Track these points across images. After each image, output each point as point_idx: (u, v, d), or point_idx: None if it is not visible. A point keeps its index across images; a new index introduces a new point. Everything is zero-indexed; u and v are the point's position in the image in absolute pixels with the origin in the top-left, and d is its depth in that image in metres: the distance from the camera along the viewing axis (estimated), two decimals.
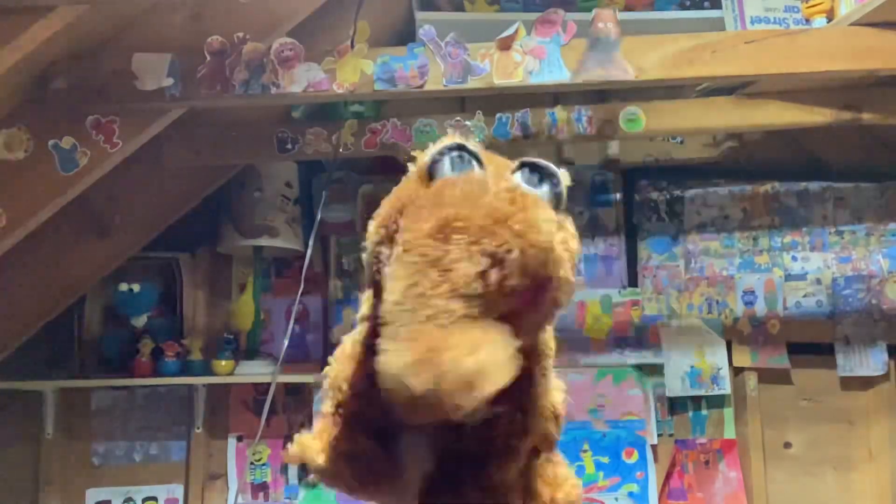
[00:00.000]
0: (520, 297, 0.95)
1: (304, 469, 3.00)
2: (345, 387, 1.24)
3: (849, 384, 3.15)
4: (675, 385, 3.07)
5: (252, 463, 3.02)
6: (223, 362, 2.94)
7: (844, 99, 2.69)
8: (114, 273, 2.89)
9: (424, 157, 1.08)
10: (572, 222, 1.10)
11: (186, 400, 3.03)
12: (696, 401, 3.10)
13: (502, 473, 1.16)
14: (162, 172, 2.70)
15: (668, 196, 3.25)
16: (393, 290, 0.91)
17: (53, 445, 2.96)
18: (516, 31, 2.29)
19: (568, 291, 1.05)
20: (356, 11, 2.30)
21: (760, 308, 3.15)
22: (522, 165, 1.08)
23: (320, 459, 1.29)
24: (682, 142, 3.23)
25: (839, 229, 3.22)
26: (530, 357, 1.12)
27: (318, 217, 2.70)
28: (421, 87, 2.29)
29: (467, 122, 2.61)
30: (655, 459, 3.03)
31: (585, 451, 3.03)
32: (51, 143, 2.23)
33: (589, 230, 3.20)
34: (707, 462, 3.08)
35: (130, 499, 2.98)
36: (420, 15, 2.64)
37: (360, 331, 1.18)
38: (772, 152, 3.24)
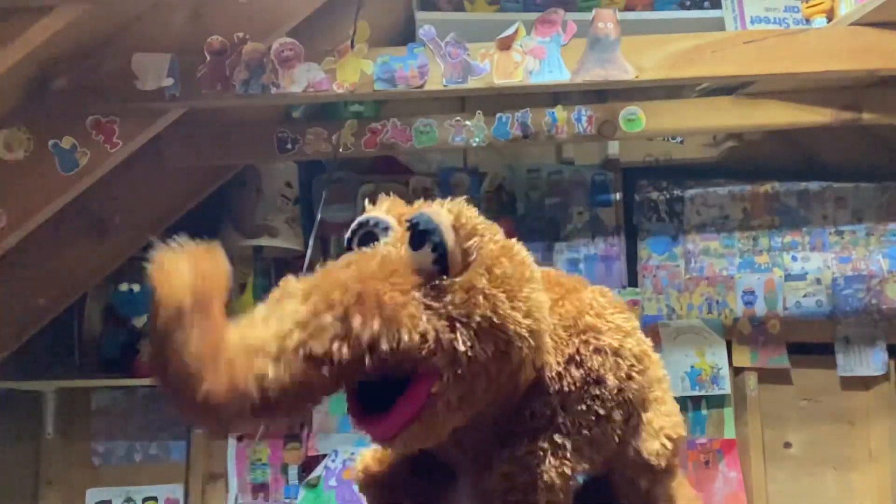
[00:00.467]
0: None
1: (304, 469, 3.00)
2: None
3: (849, 384, 3.15)
4: (675, 385, 3.06)
5: (252, 463, 3.01)
6: None
7: (844, 99, 2.69)
8: (114, 273, 2.89)
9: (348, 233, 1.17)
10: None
11: None
12: (696, 401, 3.09)
13: None
14: (162, 172, 2.70)
15: (668, 196, 3.25)
16: None
17: (53, 445, 2.96)
18: (516, 31, 2.29)
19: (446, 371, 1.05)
20: (356, 11, 2.30)
21: (760, 308, 3.15)
22: (409, 225, 1.09)
23: (361, 471, 1.39)
24: (682, 142, 3.23)
25: (839, 229, 3.22)
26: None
27: (318, 217, 2.70)
28: (421, 87, 2.29)
29: (467, 122, 2.61)
30: None
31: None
32: (51, 143, 2.23)
33: (589, 230, 3.21)
34: (707, 462, 3.08)
35: (130, 499, 2.98)
36: (420, 15, 2.64)
37: None
38: (772, 152, 3.24)
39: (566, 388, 1.22)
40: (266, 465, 3.03)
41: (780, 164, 3.28)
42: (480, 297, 1.07)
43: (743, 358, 3.12)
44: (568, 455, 1.20)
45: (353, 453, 2.91)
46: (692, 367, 3.07)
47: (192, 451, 3.02)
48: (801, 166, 3.29)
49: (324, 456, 2.96)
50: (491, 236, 1.14)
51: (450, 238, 1.07)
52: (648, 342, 1.39)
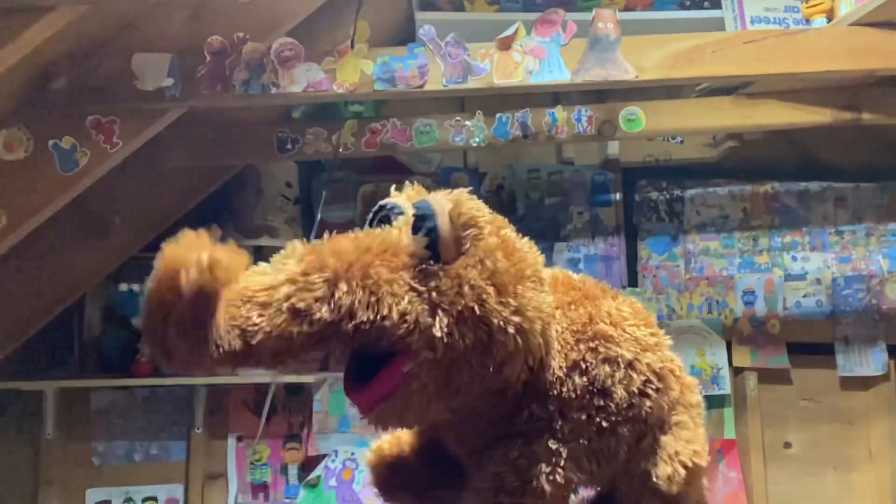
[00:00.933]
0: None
1: (304, 469, 3.00)
2: None
3: (849, 384, 3.15)
4: None
5: (252, 463, 3.01)
6: None
7: (844, 99, 2.69)
8: (114, 273, 2.89)
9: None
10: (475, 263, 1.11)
11: (186, 400, 3.02)
12: None
13: None
14: (162, 172, 2.70)
15: (667, 196, 3.25)
16: None
17: (53, 445, 2.96)
18: (516, 31, 2.29)
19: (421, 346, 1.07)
20: (356, 11, 2.29)
21: (760, 308, 3.15)
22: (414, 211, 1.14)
23: (373, 451, 1.41)
24: (682, 142, 3.23)
25: (839, 229, 3.22)
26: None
27: (318, 217, 2.70)
28: (421, 87, 2.29)
29: (467, 122, 2.61)
30: None
31: None
32: (51, 143, 2.23)
33: (589, 230, 3.20)
34: None
35: (130, 499, 2.98)
36: (420, 15, 2.64)
37: None
38: (772, 152, 3.24)
39: (566, 395, 1.20)
40: (266, 465, 3.02)
41: (780, 164, 3.28)
42: (466, 288, 1.07)
43: (743, 358, 3.12)
44: (562, 463, 1.17)
45: (353, 453, 2.91)
46: (692, 367, 3.07)
47: (192, 451, 3.02)
48: (801, 166, 3.29)
49: (324, 456, 2.96)
50: (494, 230, 1.14)
51: (444, 225, 1.09)
52: (679, 363, 1.34)
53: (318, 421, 2.96)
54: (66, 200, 2.33)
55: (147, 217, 2.80)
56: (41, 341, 2.86)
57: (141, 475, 3.01)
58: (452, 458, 1.33)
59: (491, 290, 1.09)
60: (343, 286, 1.05)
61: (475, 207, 1.13)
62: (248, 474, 3.01)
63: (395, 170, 3.15)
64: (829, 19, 2.47)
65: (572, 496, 1.25)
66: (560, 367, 1.21)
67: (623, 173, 3.26)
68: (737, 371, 3.13)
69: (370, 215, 1.19)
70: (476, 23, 2.61)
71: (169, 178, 2.76)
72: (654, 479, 1.23)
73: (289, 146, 2.65)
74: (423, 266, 1.09)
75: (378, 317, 1.05)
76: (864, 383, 3.14)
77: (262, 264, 1.11)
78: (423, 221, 1.11)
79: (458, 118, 2.62)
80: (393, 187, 1.23)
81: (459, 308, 1.07)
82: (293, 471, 3.01)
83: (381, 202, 1.18)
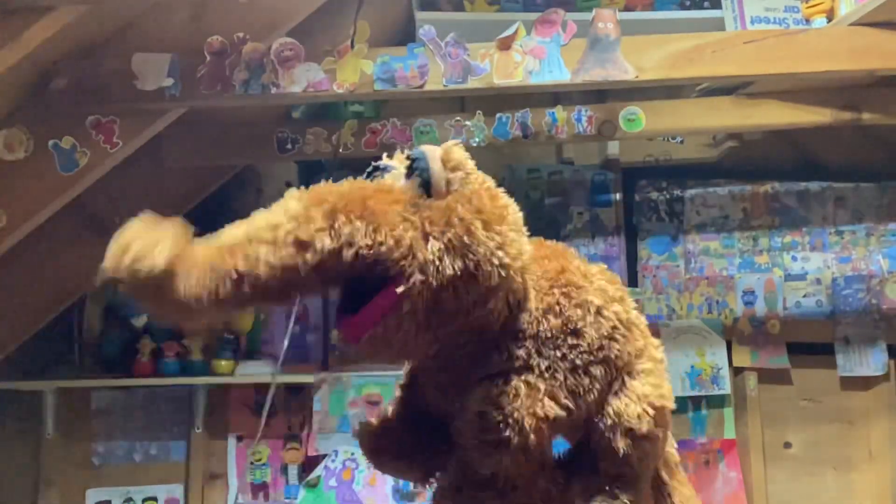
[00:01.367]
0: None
1: (304, 469, 3.00)
2: (400, 383, 1.50)
3: (849, 384, 3.15)
4: (675, 385, 3.03)
5: (252, 463, 3.01)
6: (223, 362, 2.94)
7: (844, 99, 2.69)
8: None
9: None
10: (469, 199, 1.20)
11: (186, 400, 3.02)
12: (696, 401, 3.10)
13: None
14: (162, 172, 2.70)
15: (667, 196, 3.25)
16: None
17: (53, 445, 2.96)
18: (516, 31, 2.29)
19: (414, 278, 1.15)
20: (356, 11, 2.30)
21: (760, 308, 3.15)
22: (407, 159, 1.24)
23: (362, 423, 1.51)
24: (682, 142, 3.23)
25: (839, 229, 3.22)
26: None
27: None
28: (421, 87, 2.29)
29: (467, 122, 2.61)
30: None
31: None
32: (51, 143, 2.23)
33: (589, 230, 3.20)
34: (707, 462, 3.08)
35: (130, 499, 2.98)
36: (420, 15, 2.64)
37: None
38: (772, 152, 3.24)
39: (543, 334, 1.28)
40: (266, 465, 3.03)
41: (780, 164, 3.28)
42: (456, 219, 1.17)
43: (743, 358, 3.12)
44: (541, 397, 1.24)
45: (353, 453, 2.91)
46: (692, 367, 3.07)
47: (192, 451, 3.02)
48: (801, 166, 3.29)
49: (324, 456, 2.95)
50: (479, 179, 1.24)
51: (436, 167, 1.20)
52: (644, 321, 1.43)
53: (318, 421, 2.96)
54: (66, 200, 2.34)
55: None
56: (41, 341, 2.86)
57: (141, 475, 3.01)
58: (438, 425, 1.39)
59: (478, 223, 1.18)
60: (342, 217, 1.14)
61: (462, 155, 1.24)
62: (248, 474, 3.01)
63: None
64: (829, 19, 2.47)
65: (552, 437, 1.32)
66: (536, 309, 1.30)
67: (623, 173, 3.26)
68: (737, 371, 3.12)
69: (364, 175, 1.27)
70: (476, 23, 2.61)
71: (169, 178, 2.76)
72: (625, 418, 1.31)
73: (289, 146, 2.65)
74: (416, 200, 1.18)
75: (375, 243, 1.13)
76: (864, 383, 3.14)
77: (263, 210, 1.20)
78: (416, 163, 1.21)
79: (458, 118, 2.62)
80: (385, 154, 1.32)
81: (449, 236, 1.16)
82: (293, 471, 3.01)
83: (375, 163, 1.27)
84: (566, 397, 1.27)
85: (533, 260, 1.32)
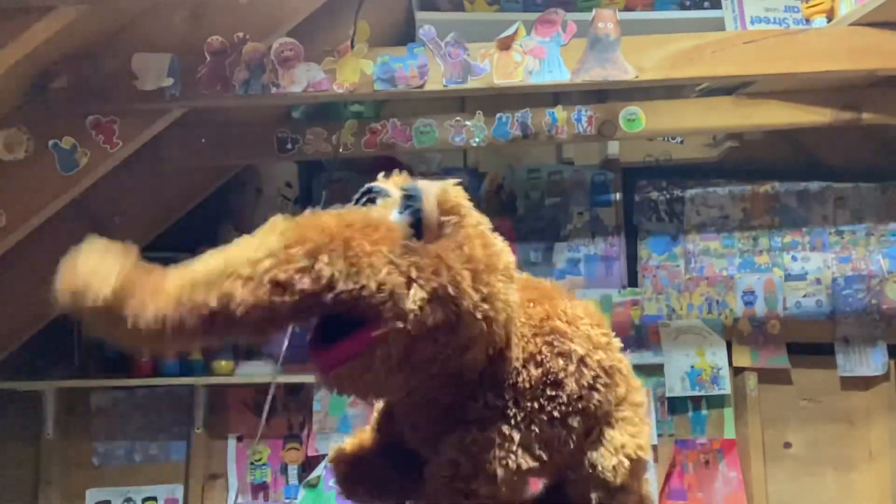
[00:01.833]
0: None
1: (304, 469, 3.00)
2: (378, 409, 1.45)
3: (849, 384, 3.15)
4: (675, 385, 3.07)
5: (252, 463, 3.01)
6: (223, 362, 2.94)
7: (844, 99, 2.69)
8: None
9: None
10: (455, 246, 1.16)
11: (186, 400, 3.02)
12: (696, 401, 3.09)
13: None
14: (162, 172, 2.70)
15: (667, 196, 3.25)
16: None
17: (53, 445, 2.96)
18: (516, 31, 2.29)
19: (395, 327, 1.11)
20: (356, 11, 2.30)
21: (760, 308, 3.15)
22: (401, 192, 1.20)
23: (334, 449, 1.48)
24: (682, 142, 3.23)
25: (839, 229, 3.22)
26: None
27: None
28: (421, 87, 2.29)
29: (467, 122, 2.61)
30: (655, 459, 3.02)
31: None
32: (51, 143, 2.23)
33: (589, 230, 3.20)
34: (707, 462, 3.08)
35: (130, 499, 2.98)
36: (420, 15, 2.64)
37: None
38: (772, 152, 3.24)
39: (521, 385, 1.25)
40: (266, 465, 3.03)
41: (780, 164, 3.28)
42: (444, 268, 1.13)
43: (743, 358, 3.12)
44: (514, 448, 1.21)
45: None
46: (692, 367, 3.07)
47: (192, 451, 3.02)
48: (801, 166, 3.29)
49: (324, 456, 2.95)
50: (474, 223, 1.20)
51: (429, 207, 1.15)
52: (627, 364, 1.40)
53: (318, 421, 2.96)
54: (66, 200, 2.34)
55: (147, 217, 2.80)
56: (41, 341, 2.86)
57: (141, 475, 3.01)
58: (412, 455, 1.36)
59: (466, 274, 1.14)
60: (324, 258, 1.09)
61: (461, 197, 1.20)
62: (248, 474, 3.01)
63: (394, 170, 3.15)
64: (829, 19, 2.48)
65: (524, 488, 1.30)
66: (517, 359, 1.26)
67: (623, 173, 3.26)
68: (737, 371, 3.12)
69: (356, 195, 1.23)
70: (476, 23, 2.61)
71: (169, 178, 2.76)
72: (600, 469, 1.29)
73: (289, 146, 2.65)
74: (405, 242, 1.13)
75: (357, 286, 1.09)
76: (864, 383, 3.14)
77: (246, 236, 1.17)
78: (410, 201, 1.16)
79: (458, 118, 2.62)
80: (381, 175, 1.27)
81: (434, 286, 1.12)
82: (293, 471, 3.01)
83: (368, 185, 1.23)
84: (541, 448, 1.24)
85: (517, 305, 1.28)
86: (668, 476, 3.06)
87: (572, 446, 1.28)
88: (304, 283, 1.08)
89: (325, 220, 1.15)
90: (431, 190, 1.17)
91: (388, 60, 2.28)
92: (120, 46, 2.26)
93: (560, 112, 2.63)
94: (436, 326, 1.12)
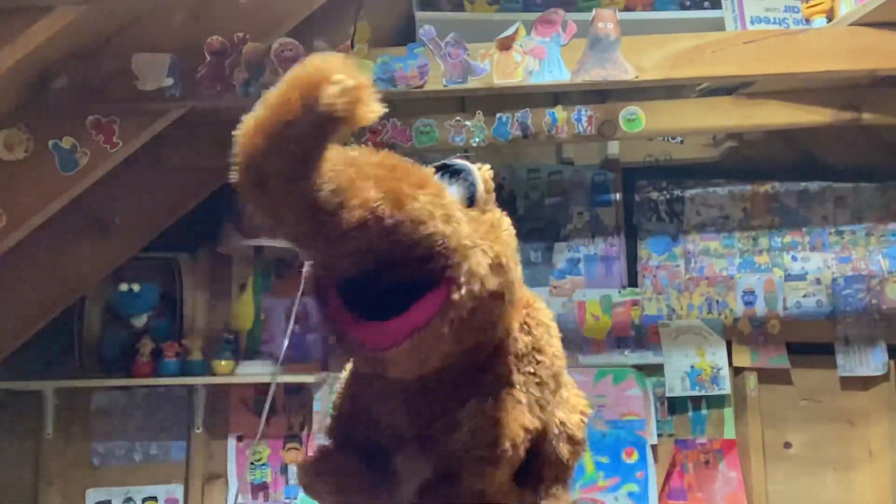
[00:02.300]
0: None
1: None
2: (334, 410, 1.43)
3: (849, 384, 3.15)
4: (675, 385, 3.07)
5: (252, 463, 3.01)
6: (223, 362, 2.94)
7: (844, 99, 2.69)
8: (114, 273, 2.89)
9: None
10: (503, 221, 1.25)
11: (186, 400, 3.03)
12: (696, 401, 3.10)
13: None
14: (162, 172, 2.70)
15: (667, 196, 3.25)
16: None
17: (53, 445, 2.96)
18: (516, 31, 2.29)
19: (468, 280, 1.13)
20: (356, 11, 2.30)
21: (760, 308, 3.15)
22: (443, 168, 1.26)
23: (301, 457, 1.46)
24: (682, 142, 3.23)
25: (839, 229, 3.22)
26: (495, 371, 1.28)
27: None
28: (421, 87, 2.30)
29: (467, 122, 2.61)
30: (655, 459, 3.03)
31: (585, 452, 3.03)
32: (51, 143, 2.23)
33: (589, 230, 3.21)
34: (707, 462, 3.08)
35: (130, 499, 2.98)
36: (420, 15, 2.64)
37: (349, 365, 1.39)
38: (772, 152, 3.24)
39: (520, 351, 1.32)
40: (266, 465, 3.03)
41: (780, 164, 3.28)
42: (497, 238, 1.20)
43: (743, 358, 3.12)
44: (524, 410, 1.28)
45: None
46: (692, 367, 3.08)
47: (192, 451, 3.02)
48: (801, 166, 3.29)
49: None
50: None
51: (481, 183, 1.24)
52: None
53: (318, 421, 2.96)
54: (66, 200, 2.34)
55: (147, 217, 2.80)
56: (41, 341, 2.86)
57: (141, 475, 3.01)
58: (375, 454, 1.37)
59: (509, 244, 1.22)
60: (422, 198, 1.10)
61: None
62: (248, 474, 3.02)
63: None
64: (829, 19, 2.48)
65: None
66: (514, 328, 1.34)
67: (623, 173, 3.26)
68: (737, 371, 3.13)
69: (436, 170, 1.26)
70: (476, 23, 2.61)
71: (169, 178, 2.76)
72: (569, 426, 1.39)
73: None
74: (467, 211, 1.19)
75: (446, 234, 1.10)
76: (864, 383, 3.14)
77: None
78: (458, 174, 1.24)
79: (458, 118, 2.62)
80: (458, 154, 1.33)
81: (495, 251, 1.17)
82: (293, 471, 3.01)
83: (449, 161, 1.28)
84: (538, 410, 1.31)
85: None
86: (668, 476, 3.06)
87: (551, 407, 1.36)
88: (415, 206, 1.07)
89: (419, 170, 1.20)
90: (475, 168, 1.25)
91: (388, 60, 2.29)
92: (120, 46, 2.26)
93: (560, 112, 2.63)
94: (492, 294, 1.16)
